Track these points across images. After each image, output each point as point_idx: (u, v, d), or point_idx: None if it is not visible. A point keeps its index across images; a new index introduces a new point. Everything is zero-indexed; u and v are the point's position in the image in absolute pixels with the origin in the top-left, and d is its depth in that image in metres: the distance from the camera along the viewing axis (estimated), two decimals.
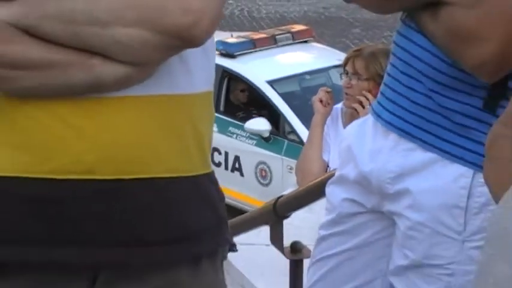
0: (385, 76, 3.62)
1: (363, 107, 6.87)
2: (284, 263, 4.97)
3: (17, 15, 2.60)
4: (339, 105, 7.68)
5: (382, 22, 24.90)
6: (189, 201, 2.89)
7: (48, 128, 2.68)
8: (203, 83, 2.94)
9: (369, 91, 6.92)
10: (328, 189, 3.81)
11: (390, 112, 3.48)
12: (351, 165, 3.62)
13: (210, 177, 3.01)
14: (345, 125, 7.32)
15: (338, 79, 12.05)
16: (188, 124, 2.89)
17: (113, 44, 2.65)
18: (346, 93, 7.55)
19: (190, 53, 2.82)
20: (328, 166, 7.17)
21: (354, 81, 7.31)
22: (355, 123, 3.91)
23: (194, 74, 2.89)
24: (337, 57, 15.38)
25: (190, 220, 2.90)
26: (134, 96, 2.74)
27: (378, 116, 3.54)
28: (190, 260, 2.90)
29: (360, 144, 3.61)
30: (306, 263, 4.75)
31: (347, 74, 7.54)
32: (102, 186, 2.72)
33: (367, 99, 6.85)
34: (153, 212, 2.81)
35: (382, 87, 3.63)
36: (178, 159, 2.85)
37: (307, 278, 3.88)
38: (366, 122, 3.69)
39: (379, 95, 3.65)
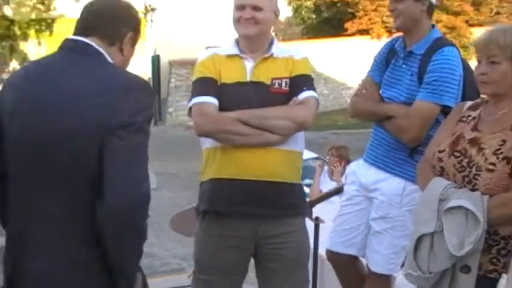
0: (369, 141, 3.60)
1: (335, 167, 7.11)
2: (311, 226, 4.92)
3: (237, 115, 2.91)
4: (326, 167, 7.91)
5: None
6: (293, 192, 3.13)
7: (246, 158, 2.95)
8: (300, 147, 3.12)
9: (338, 162, 7.16)
10: (345, 187, 3.78)
11: (370, 157, 3.54)
12: (355, 178, 3.61)
13: (300, 184, 3.26)
14: (329, 176, 7.59)
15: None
16: (294, 163, 3.11)
17: (274, 127, 2.91)
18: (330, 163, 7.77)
19: (300, 134, 3.09)
20: (321, 191, 7.38)
21: (331, 158, 7.54)
22: (355, 163, 3.82)
23: (298, 142, 3.08)
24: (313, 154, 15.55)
25: (295, 200, 3.18)
26: (278, 149, 2.98)
27: (365, 159, 3.59)
28: (295, 215, 3.17)
29: (358, 170, 3.62)
30: (322, 226, 4.84)
31: (329, 155, 7.73)
32: (262, 184, 2.97)
33: (336, 166, 7.11)
34: (283, 195, 3.05)
35: (367, 146, 3.62)
36: (291, 176, 3.08)
37: (333, 224, 3.85)
38: (359, 161, 3.69)
39: (366, 150, 3.62)
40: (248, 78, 3.04)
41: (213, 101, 2.99)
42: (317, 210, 5.28)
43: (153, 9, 31.54)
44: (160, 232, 12.99)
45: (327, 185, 7.52)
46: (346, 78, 30.23)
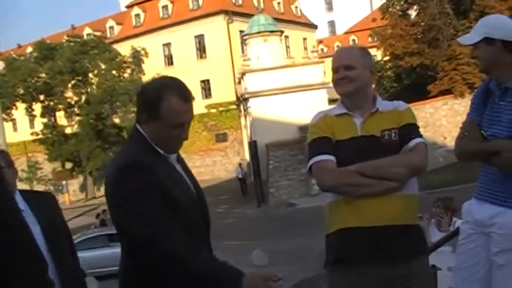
0: (479, 180, 3.49)
1: (442, 218, 6.73)
2: None
3: (356, 168, 2.93)
4: (432, 220, 7.44)
5: None
6: (416, 233, 3.08)
7: (369, 206, 2.94)
8: (416, 191, 3.10)
9: (444, 212, 6.80)
10: (461, 226, 3.67)
11: (483, 194, 3.39)
12: (469, 216, 3.47)
13: (420, 225, 3.21)
14: (437, 228, 7.13)
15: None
16: (413, 205, 3.07)
17: (392, 175, 2.93)
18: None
19: (413, 179, 3.06)
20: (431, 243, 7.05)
21: (437, 209, 7.07)
22: (467, 203, 3.61)
23: (413, 186, 3.06)
24: None
25: (419, 240, 3.11)
26: (398, 194, 2.95)
27: (476, 197, 3.46)
28: (421, 254, 3.10)
29: (471, 208, 3.46)
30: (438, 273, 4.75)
31: (434, 207, 7.34)
32: (388, 228, 2.93)
33: (443, 216, 6.72)
34: (408, 237, 2.99)
35: (478, 185, 3.51)
36: (412, 218, 3.05)
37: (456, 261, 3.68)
38: (470, 201, 3.55)
39: (477, 189, 3.50)
40: (359, 133, 3.09)
41: (330, 158, 3.06)
42: (431, 260, 5.11)
43: (245, 100, 32.38)
44: None
45: (435, 236, 7.23)
46: (436, 138, 29.75)
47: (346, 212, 3.05)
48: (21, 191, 3.44)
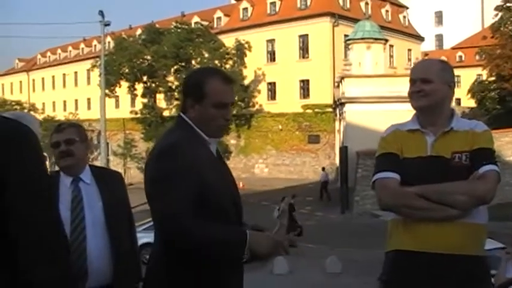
0: None
1: None
2: None
3: (417, 190, 2.82)
4: None
5: None
6: (476, 265, 2.89)
7: (428, 231, 2.83)
8: (483, 220, 2.93)
9: None
10: None
11: None
12: None
13: (484, 257, 2.98)
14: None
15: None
16: (477, 235, 2.90)
17: (454, 202, 2.79)
18: None
19: (482, 207, 2.91)
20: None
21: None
22: None
23: (481, 214, 2.91)
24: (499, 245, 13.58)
25: (478, 272, 2.91)
26: (461, 222, 2.82)
27: None
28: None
29: None
30: None
31: None
32: (446, 257, 2.80)
33: None
34: (466, 268, 2.82)
35: None
36: (474, 249, 2.87)
37: None
38: None
39: None
40: (429, 153, 2.95)
41: (394, 176, 2.94)
42: None
43: (341, 104, 32.10)
44: None
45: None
46: None
47: (404, 234, 2.95)
48: (92, 166, 3.55)
